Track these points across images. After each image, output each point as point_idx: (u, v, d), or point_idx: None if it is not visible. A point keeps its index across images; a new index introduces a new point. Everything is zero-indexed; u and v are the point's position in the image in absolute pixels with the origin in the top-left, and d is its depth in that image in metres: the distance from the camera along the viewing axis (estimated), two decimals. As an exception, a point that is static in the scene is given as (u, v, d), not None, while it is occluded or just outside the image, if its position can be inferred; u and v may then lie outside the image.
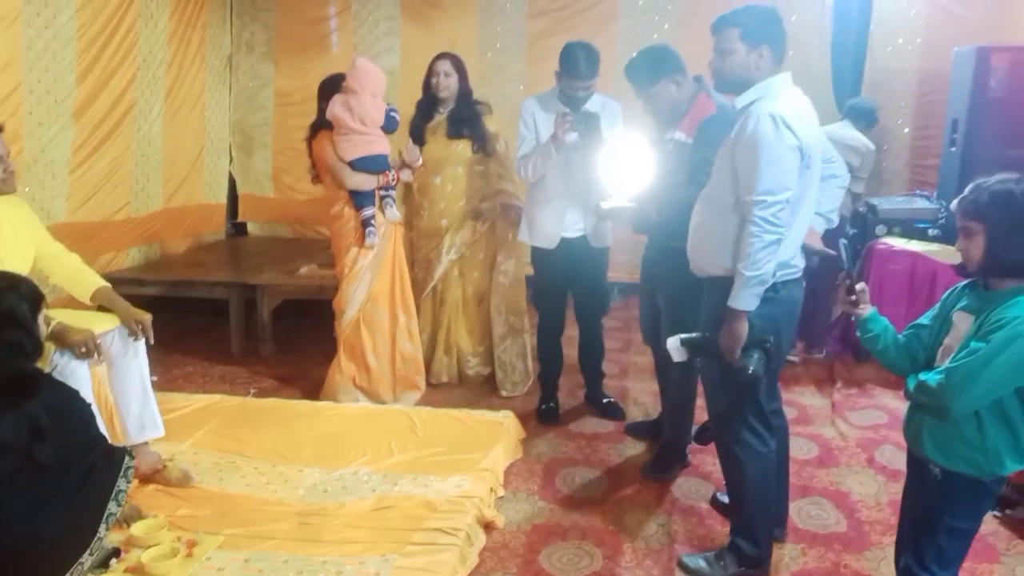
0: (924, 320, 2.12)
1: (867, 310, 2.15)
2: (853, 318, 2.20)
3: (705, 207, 2.56)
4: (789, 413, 3.64)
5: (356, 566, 2.43)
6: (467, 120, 3.95)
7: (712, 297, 2.52)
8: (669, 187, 3.03)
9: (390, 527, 2.65)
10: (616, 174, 3.30)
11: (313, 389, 4.11)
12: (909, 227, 4.54)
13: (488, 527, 2.79)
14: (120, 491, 2.32)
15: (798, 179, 2.34)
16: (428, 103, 4.01)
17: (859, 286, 2.16)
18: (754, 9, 2.42)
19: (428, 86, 3.98)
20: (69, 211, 4.69)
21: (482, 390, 4.15)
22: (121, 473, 2.33)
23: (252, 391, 4.09)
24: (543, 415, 3.80)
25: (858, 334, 2.21)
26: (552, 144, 3.43)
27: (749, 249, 2.31)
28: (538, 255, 3.73)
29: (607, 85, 4.06)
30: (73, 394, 2.35)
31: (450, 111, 3.97)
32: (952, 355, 1.88)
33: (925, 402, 1.94)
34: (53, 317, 2.65)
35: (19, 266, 2.77)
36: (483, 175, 4.08)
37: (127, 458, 2.37)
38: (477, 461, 3.11)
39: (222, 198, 6.35)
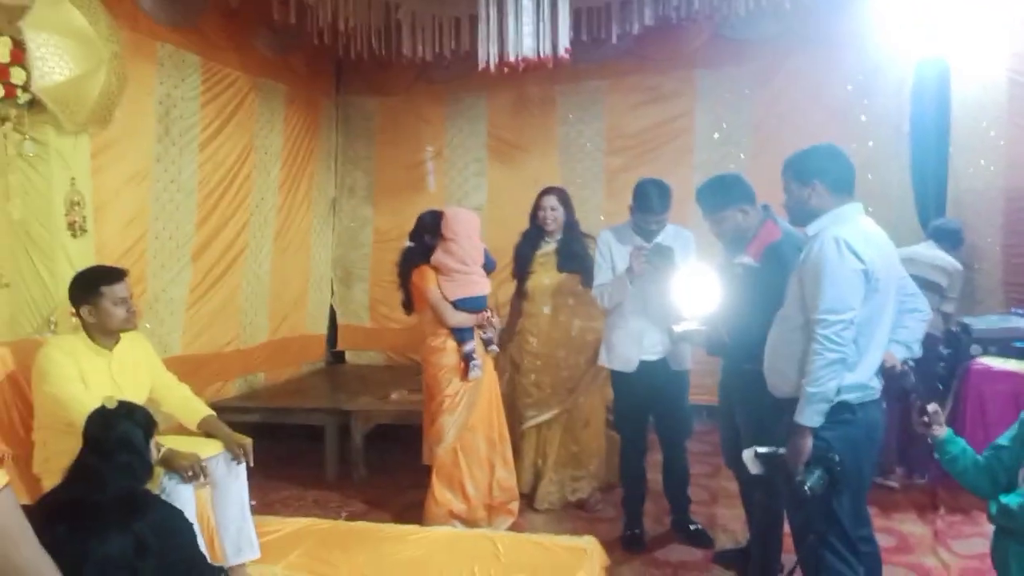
0: (1003, 441, 2.09)
1: (943, 432, 2.15)
2: (930, 440, 2.19)
3: (778, 329, 2.64)
4: (887, 541, 3.53)
5: None
6: (577, 255, 4.17)
7: (787, 416, 2.54)
8: (739, 310, 3.12)
9: (472, 652, 2.66)
10: (690, 299, 3.41)
11: (401, 512, 4.20)
12: (1006, 347, 4.40)
13: (570, 656, 2.76)
14: None
15: (865, 301, 2.41)
16: (535, 234, 4.26)
17: (931, 407, 2.17)
18: (801, 152, 2.64)
19: (535, 218, 4.24)
20: (184, 344, 5.09)
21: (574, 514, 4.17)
22: None
23: (344, 514, 4.22)
24: (628, 542, 3.76)
25: (936, 456, 2.19)
26: (627, 276, 3.58)
27: (812, 366, 2.38)
28: (618, 379, 3.81)
29: (684, 215, 4.22)
30: (178, 515, 2.52)
31: (560, 242, 4.22)
32: None
33: (1009, 526, 1.90)
34: (163, 443, 2.89)
35: (137, 395, 3.06)
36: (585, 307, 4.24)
37: (225, 573, 2.50)
38: (561, 588, 3.10)
39: (323, 329, 6.74)
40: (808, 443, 2.38)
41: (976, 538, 3.71)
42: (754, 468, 2.64)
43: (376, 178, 6.86)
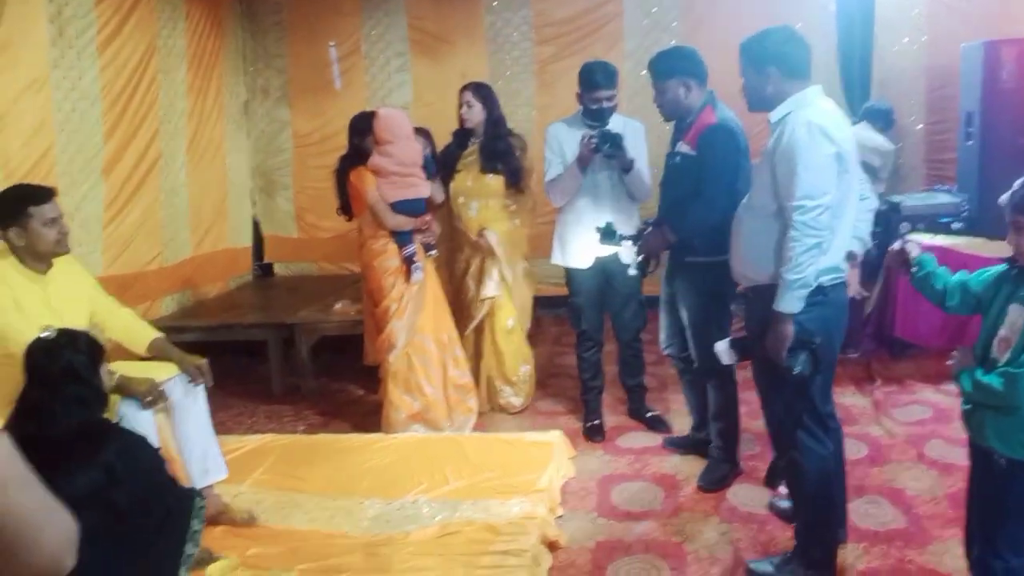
0: (972, 285, 2.15)
1: (918, 251, 2.25)
2: (912, 266, 2.26)
3: (747, 218, 2.63)
4: (833, 414, 3.69)
5: (430, 593, 2.47)
6: (500, 154, 3.99)
7: (758, 304, 2.58)
8: (679, 201, 3.17)
9: (457, 552, 2.69)
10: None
11: (359, 422, 4.16)
12: (933, 223, 4.59)
13: (552, 546, 2.83)
14: (195, 532, 2.36)
15: (837, 184, 2.41)
16: (461, 133, 4.09)
17: (903, 230, 2.22)
18: (757, 35, 2.58)
19: (459, 116, 4.06)
20: (105, 265, 4.77)
21: (519, 417, 4.19)
22: (194, 514, 2.38)
23: (301, 428, 4.16)
24: (590, 432, 3.84)
25: (914, 271, 2.27)
26: (578, 165, 3.51)
27: (791, 253, 2.39)
28: (573, 276, 3.79)
29: (619, 106, 4.13)
30: (141, 440, 2.39)
31: (481, 143, 4.03)
32: (1011, 349, 1.92)
33: (986, 401, 1.98)
34: (115, 370, 2.72)
35: (77, 321, 2.84)
36: (514, 211, 4.12)
37: (197, 499, 2.42)
38: (533, 482, 3.15)
39: (247, 241, 6.44)
40: (790, 329, 2.42)
41: (914, 405, 3.97)
42: (727, 359, 2.69)
43: (291, 77, 6.44)
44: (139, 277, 5.06)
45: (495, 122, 4.02)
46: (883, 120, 4.85)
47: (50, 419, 2.14)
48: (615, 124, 3.59)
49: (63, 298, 2.81)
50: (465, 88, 4.04)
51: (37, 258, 2.74)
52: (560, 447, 3.50)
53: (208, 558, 2.67)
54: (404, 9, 6.21)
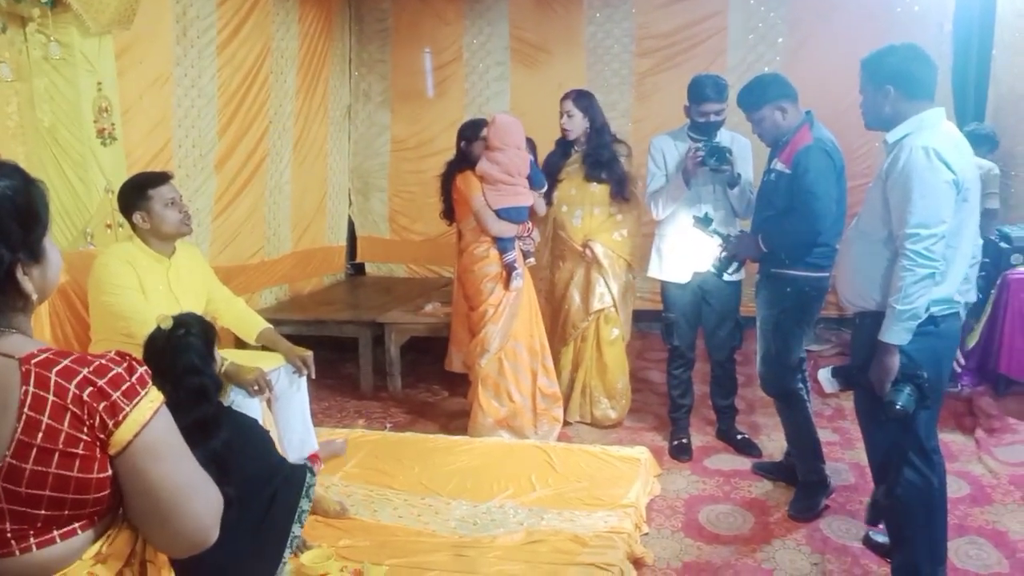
0: None
1: None
2: None
3: (856, 242, 2.56)
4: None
5: (517, 598, 2.48)
6: (605, 163, 3.97)
7: (864, 331, 2.50)
8: (770, 216, 3.17)
9: (543, 561, 2.70)
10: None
11: (444, 423, 4.23)
12: (1045, 256, 4.36)
13: (637, 564, 2.80)
14: (303, 511, 2.43)
15: (955, 212, 2.33)
16: (564, 143, 4.08)
17: (1016, 262, 2.10)
18: (879, 51, 2.51)
19: (561, 126, 4.07)
20: (211, 256, 4.97)
21: (603, 431, 4.16)
22: (304, 494, 2.44)
23: (388, 425, 4.24)
24: (676, 451, 3.80)
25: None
26: (683, 176, 3.48)
27: (901, 283, 2.31)
28: (669, 290, 3.76)
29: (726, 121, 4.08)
30: (252, 423, 2.48)
31: (585, 152, 4.02)
32: None
33: None
34: (225, 357, 2.83)
35: (194, 306, 2.98)
36: (620, 221, 4.09)
37: (308, 476, 2.48)
38: (619, 496, 3.13)
39: (342, 240, 6.63)
40: (896, 361, 2.34)
41: (1018, 445, 3.77)
42: (829, 387, 2.62)
43: (392, 83, 6.61)
44: (243, 270, 5.26)
45: (599, 130, 3.99)
46: (985, 144, 4.64)
47: (174, 407, 2.23)
48: (723, 139, 3.56)
49: (183, 283, 2.96)
50: (565, 97, 4.03)
51: (162, 239, 2.89)
52: (647, 464, 3.47)
53: (302, 546, 2.75)
54: (507, 19, 6.29)
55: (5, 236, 1.03)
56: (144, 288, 2.80)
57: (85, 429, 1.03)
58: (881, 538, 2.90)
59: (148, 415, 1.07)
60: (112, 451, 1.05)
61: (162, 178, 2.91)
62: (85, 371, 1.04)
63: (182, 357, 2.24)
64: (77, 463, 1.03)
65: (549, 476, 3.35)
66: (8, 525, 1.03)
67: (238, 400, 2.74)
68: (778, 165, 3.15)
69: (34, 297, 1.10)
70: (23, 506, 1.02)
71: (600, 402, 4.20)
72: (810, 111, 3.17)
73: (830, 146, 3.07)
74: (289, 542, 2.37)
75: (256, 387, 2.77)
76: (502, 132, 3.76)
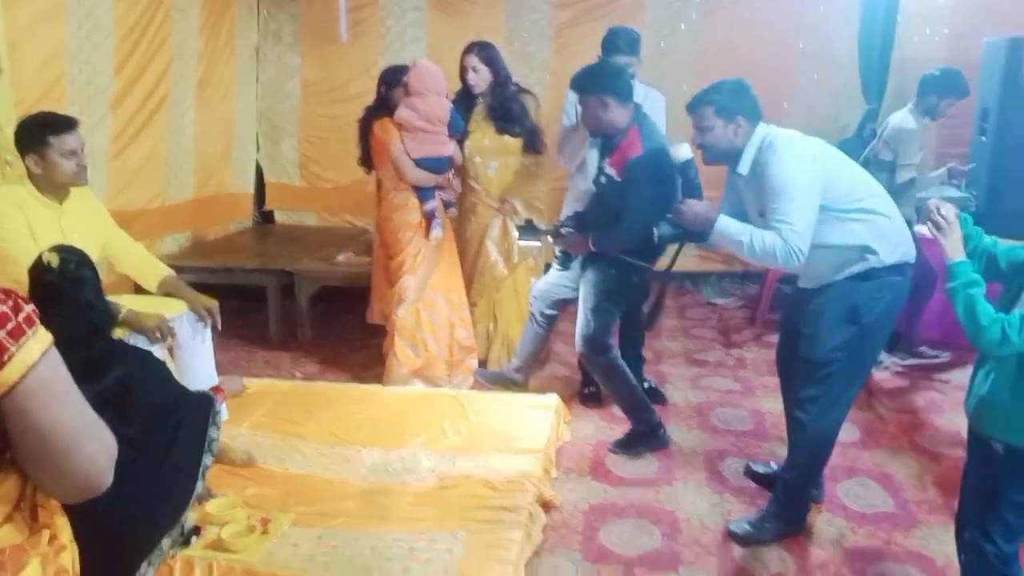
0: (1001, 258, 2.11)
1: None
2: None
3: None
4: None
5: (427, 543, 2.49)
6: (516, 117, 3.93)
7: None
8: (603, 219, 3.24)
9: (454, 505, 2.72)
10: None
11: (357, 373, 4.18)
12: (939, 216, 4.58)
13: (546, 506, 2.86)
14: (212, 440, 2.37)
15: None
16: (465, 95, 4.00)
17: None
18: (724, 85, 2.61)
19: (463, 80, 4.01)
20: (107, 199, 4.71)
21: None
22: (211, 421, 2.38)
23: (298, 375, 4.17)
24: (586, 398, 3.88)
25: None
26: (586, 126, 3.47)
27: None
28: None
29: (639, 75, 4.09)
30: (145, 355, 2.38)
31: (490, 104, 3.95)
32: None
33: (963, 320, 1.96)
34: (123, 304, 2.72)
35: (89, 253, 2.84)
36: (535, 172, 4.08)
37: (213, 404, 2.40)
38: (530, 442, 3.18)
39: (250, 187, 6.40)
40: None
41: (909, 395, 4.01)
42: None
43: (304, 24, 6.35)
44: (141, 214, 5.02)
45: (503, 82, 3.94)
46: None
47: (68, 344, 2.12)
48: (636, 94, 3.57)
49: (77, 228, 2.80)
50: (468, 51, 3.92)
51: (53, 188, 2.73)
52: (557, 410, 3.52)
53: (207, 495, 2.69)
54: (423, -37, 6.12)
55: None
56: (34, 234, 2.64)
57: None
58: (761, 468, 3.11)
59: (36, 356, 1.00)
60: None
61: (66, 126, 2.72)
62: None
63: (79, 292, 2.15)
64: None
65: (461, 423, 3.37)
66: None
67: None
68: (608, 170, 3.18)
69: None
70: None
71: None
72: (639, 106, 3.19)
73: (660, 153, 3.04)
74: (201, 472, 2.31)
75: (158, 334, 2.67)
76: (424, 77, 3.67)
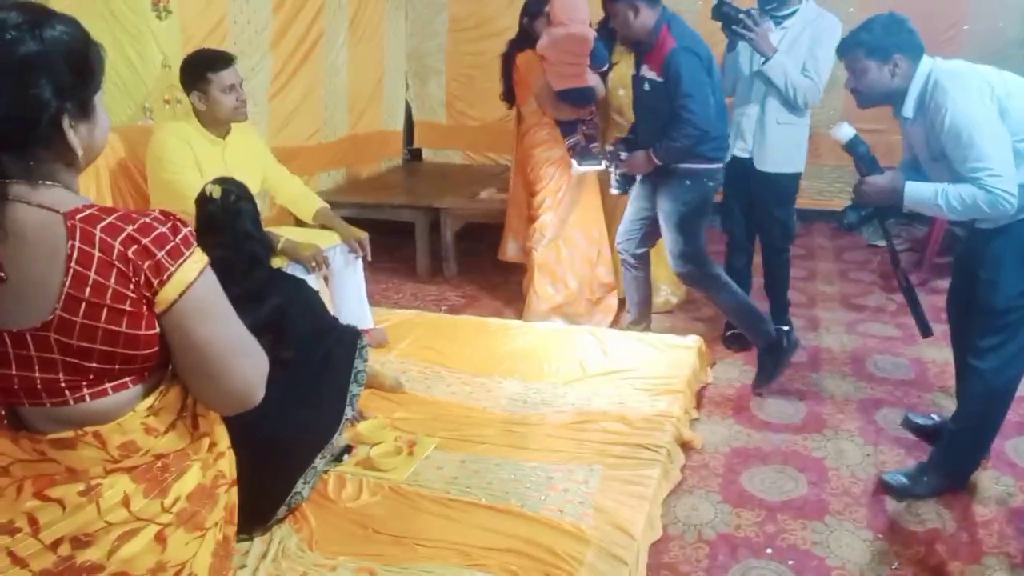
0: None
1: None
2: None
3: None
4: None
5: (565, 473, 2.52)
6: None
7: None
8: (653, 127, 3.22)
9: (592, 440, 2.73)
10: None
11: (498, 308, 4.25)
12: None
13: (685, 447, 2.82)
14: (359, 372, 2.49)
15: None
16: (609, 24, 3.88)
17: None
18: (876, 22, 2.38)
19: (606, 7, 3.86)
20: (268, 137, 4.96)
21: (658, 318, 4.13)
22: (357, 354, 2.50)
23: (443, 308, 4.29)
24: (730, 341, 3.76)
25: None
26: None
27: None
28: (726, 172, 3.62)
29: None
30: (300, 284, 2.50)
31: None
32: None
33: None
34: (281, 235, 2.86)
35: (251, 185, 2.98)
36: None
37: (360, 338, 2.53)
38: (670, 382, 3.12)
39: (399, 125, 6.55)
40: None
41: None
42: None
43: (453, -41, 6.35)
44: (300, 151, 5.25)
45: None
46: None
47: (230, 273, 2.27)
48: (805, 15, 3.30)
49: (239, 162, 2.96)
50: None
51: (216, 123, 2.88)
52: (699, 352, 3.44)
53: (359, 417, 2.84)
54: None
55: (57, 79, 1.01)
56: (200, 167, 2.81)
57: (131, 286, 1.03)
58: (921, 420, 2.89)
59: (193, 275, 1.07)
60: (158, 309, 1.06)
61: (224, 62, 2.85)
62: (130, 228, 1.03)
63: (237, 223, 2.27)
64: (125, 319, 1.04)
65: (601, 361, 3.36)
66: (62, 376, 1.05)
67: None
68: (648, 73, 3.15)
69: (79, 153, 1.07)
70: (75, 358, 1.04)
71: (660, 289, 4.17)
72: (665, 8, 3.13)
73: (694, 43, 3.08)
74: (349, 400, 2.43)
75: (313, 263, 2.80)
76: (566, 6, 3.58)
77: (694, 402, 3.15)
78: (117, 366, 1.07)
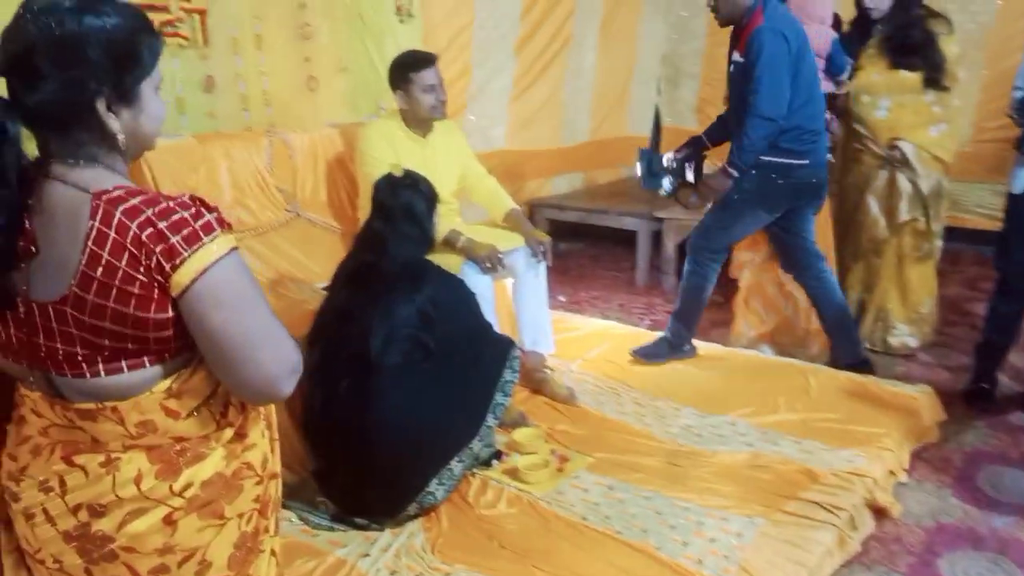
0: None
1: None
2: None
3: None
4: None
5: (718, 520, 2.27)
6: (917, 47, 3.29)
7: None
8: (737, 109, 3.04)
9: (761, 489, 2.43)
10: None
11: (705, 328, 3.94)
12: None
13: (879, 513, 2.41)
14: (506, 382, 2.44)
15: None
16: (862, 22, 3.46)
17: None
18: None
19: (858, 4, 3.45)
20: (507, 138, 5.12)
21: (889, 360, 3.61)
22: (507, 364, 2.45)
23: (646, 322, 4.12)
24: (973, 396, 3.17)
25: None
26: None
27: None
28: (1013, 203, 3.04)
29: None
30: (458, 283, 2.51)
31: (887, 33, 3.36)
32: None
33: None
34: (462, 233, 2.90)
35: (447, 183, 3.09)
36: (939, 113, 3.40)
37: (512, 349, 2.48)
38: (878, 437, 2.69)
39: (646, 130, 6.41)
40: None
41: None
42: None
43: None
44: (537, 154, 5.35)
45: (905, 6, 3.30)
46: None
47: (381, 250, 2.36)
48: None
49: (438, 160, 3.05)
50: None
51: (417, 121, 3.00)
52: (926, 405, 2.94)
53: (521, 421, 2.80)
54: None
55: (89, 65, 1.06)
56: (400, 163, 2.93)
57: (141, 269, 1.05)
58: None
59: (208, 261, 1.06)
60: (173, 293, 1.07)
61: (425, 62, 2.95)
62: (149, 212, 1.05)
63: (401, 200, 2.38)
64: (133, 301, 1.06)
65: (800, 401, 3.00)
66: (79, 349, 1.11)
67: (470, 275, 2.79)
68: (736, 56, 3.02)
69: (120, 138, 1.11)
70: (89, 334, 1.09)
71: (896, 328, 3.65)
72: None
73: (787, 25, 2.91)
74: (491, 408, 2.39)
75: (488, 263, 2.80)
76: (803, 2, 3.25)
77: (906, 462, 2.68)
78: (130, 345, 1.11)
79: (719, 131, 3.37)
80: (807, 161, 3.07)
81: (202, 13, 3.15)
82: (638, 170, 3.41)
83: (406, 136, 3.00)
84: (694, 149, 3.34)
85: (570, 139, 5.65)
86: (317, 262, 3.11)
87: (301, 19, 3.56)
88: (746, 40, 2.91)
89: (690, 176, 3.28)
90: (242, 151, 3.04)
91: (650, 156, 3.38)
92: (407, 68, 2.92)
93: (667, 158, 3.33)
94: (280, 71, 3.55)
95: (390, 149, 2.93)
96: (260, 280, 2.88)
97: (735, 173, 3.03)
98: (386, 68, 3.72)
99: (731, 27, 3.05)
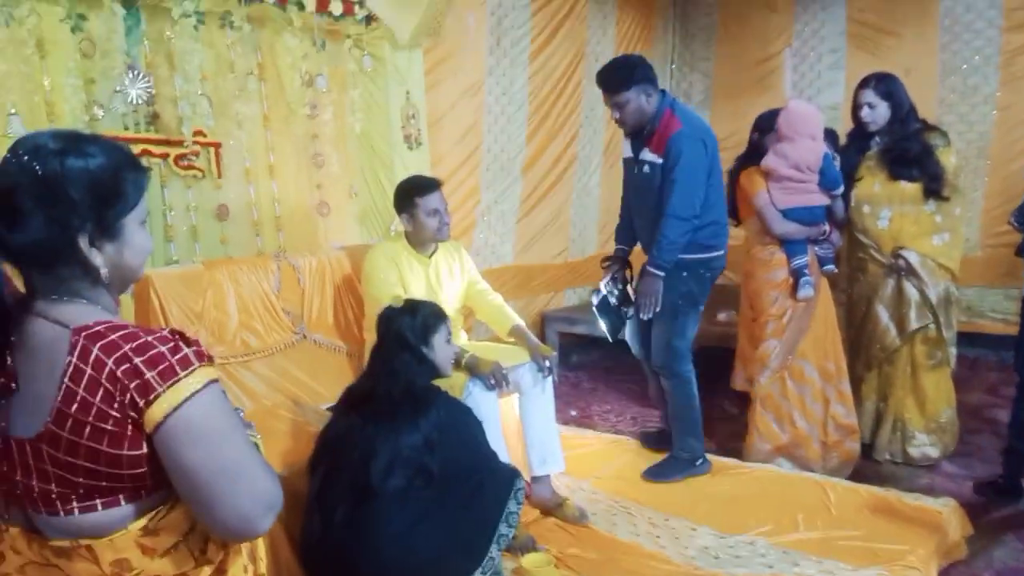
0: None
1: None
2: None
3: None
4: None
5: (737, 650, 2.16)
6: (915, 159, 3.36)
7: None
8: (649, 211, 3.15)
9: (782, 613, 2.32)
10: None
11: (721, 442, 3.88)
12: None
13: (907, 639, 2.28)
14: (511, 513, 2.36)
15: None
16: (859, 135, 3.55)
17: None
18: None
19: (855, 117, 3.54)
20: (516, 254, 5.21)
21: (913, 471, 3.51)
22: (511, 495, 2.38)
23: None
24: (995, 489, 3.04)
25: None
26: None
27: None
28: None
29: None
30: (465, 411, 2.49)
31: (884, 146, 3.44)
32: None
33: None
34: (467, 350, 2.90)
35: (452, 301, 3.13)
36: (940, 223, 3.42)
37: (516, 479, 2.42)
38: (902, 555, 2.58)
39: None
40: None
41: None
42: None
43: (715, 80, 6.31)
44: (545, 269, 5.42)
45: (904, 119, 3.38)
46: None
47: (381, 378, 2.37)
48: None
49: (442, 280, 3.10)
50: (862, 85, 3.45)
51: (422, 243, 3.06)
52: (952, 519, 2.82)
53: (530, 546, 2.70)
54: (843, 1, 5.65)
55: (71, 204, 1.07)
56: (405, 284, 2.98)
57: (115, 405, 1.04)
58: None
59: (181, 397, 1.05)
60: (147, 430, 1.06)
61: (430, 187, 3.03)
62: (127, 347, 1.05)
63: (393, 329, 2.44)
64: (106, 438, 1.05)
65: (820, 517, 2.89)
66: (54, 487, 1.09)
67: (476, 392, 2.77)
68: (649, 156, 3.10)
69: (104, 272, 1.12)
70: (63, 471, 1.07)
71: (916, 438, 3.56)
72: (664, 91, 3.13)
73: (702, 131, 3.10)
74: (495, 539, 2.32)
75: (492, 380, 2.79)
76: (794, 120, 3.33)
77: (935, 581, 2.56)
78: (104, 483, 1.08)
79: (628, 237, 3.56)
80: (722, 251, 3.26)
81: (216, 147, 3.29)
82: (603, 327, 3.51)
83: (411, 257, 3.06)
84: (620, 264, 3.51)
85: (579, 252, 5.73)
86: (323, 384, 3.12)
87: (313, 149, 3.71)
88: (666, 144, 3.02)
89: (630, 290, 3.42)
90: (250, 275, 3.11)
91: (604, 303, 3.49)
92: (412, 193, 3.00)
93: (604, 287, 3.48)
94: (292, 197, 3.68)
95: (394, 270, 2.98)
96: (264, 403, 2.93)
97: (661, 273, 3.12)
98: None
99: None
